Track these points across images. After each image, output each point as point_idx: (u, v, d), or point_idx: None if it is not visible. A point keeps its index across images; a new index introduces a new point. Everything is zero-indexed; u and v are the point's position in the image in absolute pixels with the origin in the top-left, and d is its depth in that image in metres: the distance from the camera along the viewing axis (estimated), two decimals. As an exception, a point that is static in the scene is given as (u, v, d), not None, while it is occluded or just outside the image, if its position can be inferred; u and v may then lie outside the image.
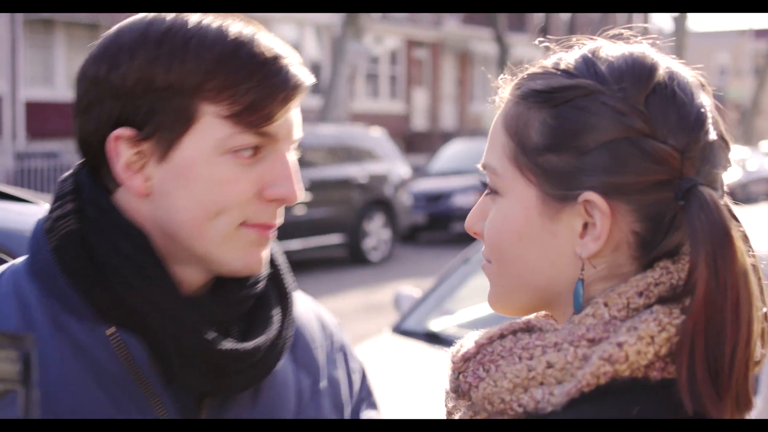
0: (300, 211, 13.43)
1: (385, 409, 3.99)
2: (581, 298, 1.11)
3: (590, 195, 1.08)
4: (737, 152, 29.58)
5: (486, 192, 1.18)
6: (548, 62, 1.17)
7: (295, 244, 13.53)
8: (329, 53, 28.74)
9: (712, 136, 1.11)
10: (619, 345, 1.03)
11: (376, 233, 14.85)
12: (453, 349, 1.17)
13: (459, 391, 1.13)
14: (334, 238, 14.22)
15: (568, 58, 1.16)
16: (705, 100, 1.13)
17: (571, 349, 1.06)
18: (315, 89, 29.49)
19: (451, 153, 19.48)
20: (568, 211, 1.11)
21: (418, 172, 18.41)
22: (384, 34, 30.30)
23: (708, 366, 1.02)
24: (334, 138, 14.77)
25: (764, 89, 38.38)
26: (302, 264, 14.25)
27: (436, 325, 4.81)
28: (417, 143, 30.14)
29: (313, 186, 13.75)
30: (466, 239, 16.79)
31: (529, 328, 1.12)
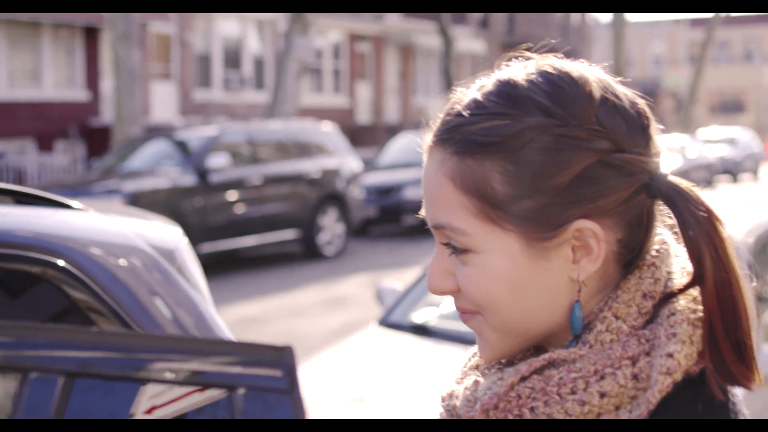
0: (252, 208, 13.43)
1: (378, 401, 4.08)
2: (580, 320, 1.11)
3: (581, 223, 1.08)
4: (677, 140, 29.84)
5: (452, 252, 1.13)
6: (464, 103, 1.13)
7: (250, 240, 13.51)
8: (272, 49, 28.66)
9: (654, 127, 1.13)
10: (670, 355, 1.05)
11: (330, 228, 14.85)
12: (452, 401, 1.16)
13: None
14: (288, 234, 14.21)
15: (487, 95, 1.12)
16: (630, 94, 1.14)
17: (619, 373, 1.06)
18: (260, 85, 29.25)
19: (399, 146, 19.52)
20: (556, 244, 1.09)
21: (367, 165, 18.43)
22: (327, 29, 30.27)
23: (731, 346, 1.06)
24: (285, 133, 14.74)
25: (701, 78, 38.85)
26: (257, 260, 14.25)
27: (421, 317, 4.86)
28: (361, 137, 30.15)
29: (266, 182, 13.75)
30: (418, 231, 16.91)
31: (552, 364, 1.09)
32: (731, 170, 34.31)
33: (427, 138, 1.16)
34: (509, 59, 1.18)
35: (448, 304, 5.04)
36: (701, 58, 38.68)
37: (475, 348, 1.23)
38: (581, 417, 1.05)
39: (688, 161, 28.94)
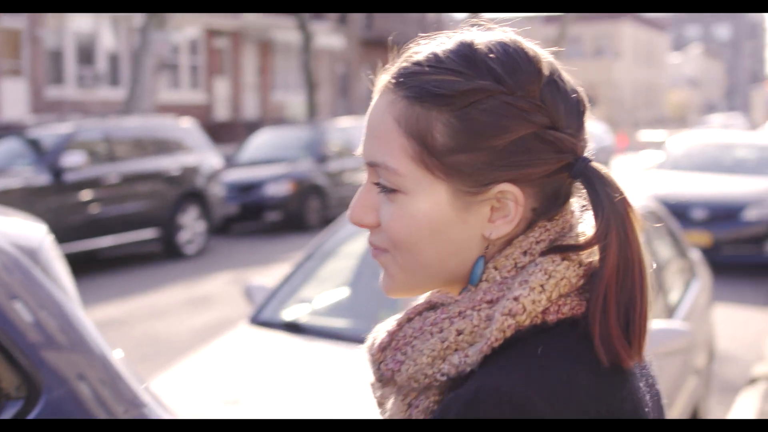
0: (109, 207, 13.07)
1: (253, 401, 3.97)
2: (480, 273, 1.20)
3: (506, 186, 1.17)
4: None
5: (381, 190, 1.21)
6: (424, 55, 1.21)
7: (107, 241, 13.12)
8: (127, 44, 28.04)
9: (588, 116, 1.22)
10: (516, 299, 1.13)
11: (191, 226, 14.56)
12: (367, 343, 1.24)
13: (383, 379, 1.20)
14: (147, 233, 13.86)
15: (447, 52, 1.19)
16: (572, 82, 1.23)
17: (475, 313, 1.15)
18: (115, 81, 28.60)
19: (259, 142, 19.34)
20: (479, 200, 1.18)
21: (227, 162, 18.18)
22: (183, 24, 29.76)
23: (620, 322, 1.13)
24: (142, 130, 14.36)
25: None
26: (117, 261, 13.87)
27: (292, 313, 4.75)
28: (220, 133, 29.80)
29: (124, 180, 13.39)
30: (280, 228, 16.80)
31: (432, 306, 1.20)
32: (585, 162, 35.04)
33: (382, 78, 1.24)
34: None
35: (319, 299, 4.96)
36: (555, 53, 39.48)
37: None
38: (442, 351, 1.14)
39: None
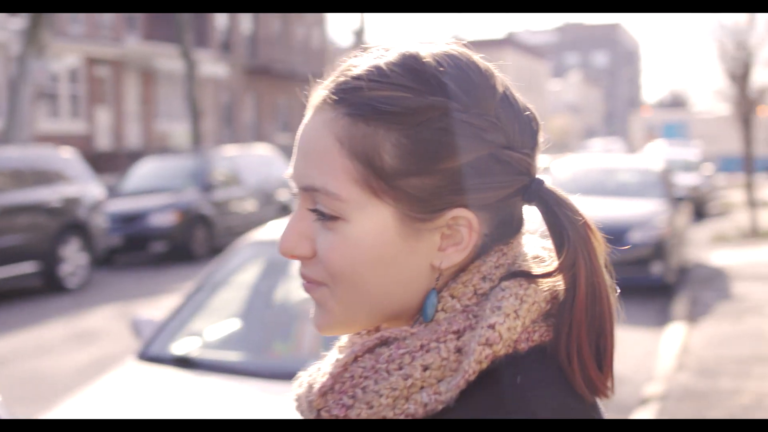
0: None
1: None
2: (434, 308, 1.10)
3: (460, 212, 1.08)
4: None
5: (317, 217, 1.11)
6: (365, 68, 1.10)
7: (-15, 276, 12.64)
8: (4, 73, 27.28)
9: (540, 135, 1.15)
10: (491, 327, 1.05)
11: (73, 258, 14.12)
12: (298, 389, 1.15)
13: None
14: (26, 266, 13.38)
15: (391, 65, 1.09)
16: (522, 99, 1.15)
17: (442, 346, 1.06)
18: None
19: (143, 172, 18.96)
20: (430, 228, 1.09)
21: (110, 192, 17.75)
22: (63, 52, 29.11)
23: (592, 350, 1.07)
24: (21, 161, 13.89)
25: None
26: (-6, 296, 13.37)
27: (182, 347, 4.57)
28: (102, 163, 29.17)
29: (2, 212, 12.92)
30: (166, 259, 16.46)
31: (384, 342, 1.09)
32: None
33: (317, 93, 1.13)
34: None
35: (211, 332, 4.79)
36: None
37: (340, 342, 1.22)
38: (405, 390, 1.05)
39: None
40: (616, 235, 6.58)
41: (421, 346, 1.06)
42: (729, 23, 22.85)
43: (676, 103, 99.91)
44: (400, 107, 1.06)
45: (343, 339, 1.22)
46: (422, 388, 1.05)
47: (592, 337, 1.08)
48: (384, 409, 1.05)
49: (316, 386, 1.10)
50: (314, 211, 1.11)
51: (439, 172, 1.06)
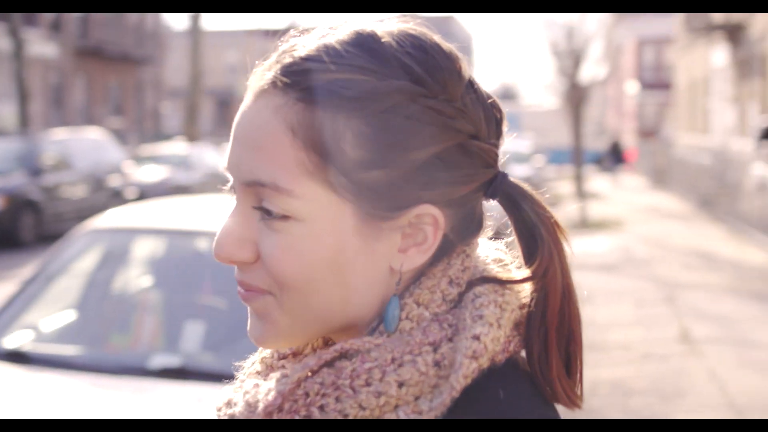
0: None
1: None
2: (396, 318, 0.99)
3: (426, 208, 0.98)
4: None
5: (262, 217, 0.98)
6: (315, 48, 0.98)
7: None
8: None
9: (504, 124, 1.06)
10: (476, 338, 0.95)
11: None
12: (231, 410, 1.00)
13: None
14: None
15: (345, 45, 0.97)
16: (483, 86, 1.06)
17: (419, 359, 0.94)
18: None
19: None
20: (392, 226, 0.98)
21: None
22: None
23: (562, 360, 1.02)
24: None
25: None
26: None
27: (14, 341, 4.32)
28: None
29: None
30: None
31: (344, 355, 0.97)
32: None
33: (260, 76, 0.99)
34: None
35: (46, 324, 4.56)
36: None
37: (254, 356, 1.10)
38: (377, 410, 0.93)
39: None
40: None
41: (393, 360, 0.94)
42: (561, 21, 23.54)
43: (507, 95, 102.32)
44: (362, 91, 0.94)
45: (266, 351, 1.10)
46: (397, 406, 0.94)
47: (562, 344, 1.01)
48: None
49: (260, 406, 0.96)
50: (259, 209, 0.98)
51: (404, 164, 0.95)
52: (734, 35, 26.66)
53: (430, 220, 0.98)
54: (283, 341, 1.03)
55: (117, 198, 18.82)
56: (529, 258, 1.03)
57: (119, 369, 3.94)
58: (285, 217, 0.96)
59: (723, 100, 28.98)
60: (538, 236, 1.01)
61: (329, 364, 0.96)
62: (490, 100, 1.02)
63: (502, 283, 1.00)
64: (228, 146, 1.02)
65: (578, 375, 1.03)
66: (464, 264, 1.01)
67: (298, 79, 0.96)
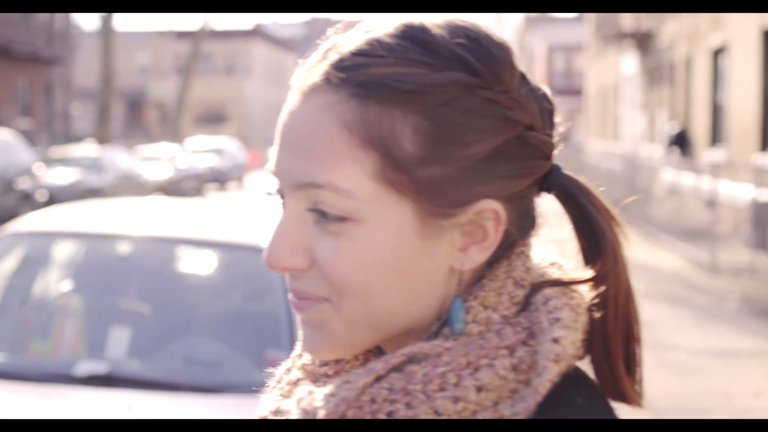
0: None
1: None
2: (463, 319, 0.94)
3: (487, 204, 0.93)
4: (166, 150, 30.34)
5: (317, 220, 0.94)
6: (364, 42, 0.94)
7: None
8: None
9: (556, 115, 1.01)
10: (556, 341, 0.91)
11: None
12: (283, 416, 0.96)
13: None
14: None
15: (394, 38, 0.93)
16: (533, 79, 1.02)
17: (497, 363, 0.90)
18: None
19: None
20: (452, 224, 0.94)
21: None
22: None
23: (623, 357, 0.99)
24: None
25: (188, 88, 39.62)
26: None
27: None
28: None
29: None
30: None
31: (412, 359, 0.92)
32: (219, 179, 35.21)
33: (307, 75, 0.95)
34: None
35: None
36: (188, 69, 39.40)
37: (286, 363, 1.06)
38: (454, 415, 0.88)
39: (179, 171, 29.32)
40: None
41: (468, 363, 0.90)
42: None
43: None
44: (418, 84, 0.90)
45: (305, 358, 1.05)
46: (475, 412, 0.89)
47: (623, 343, 0.98)
48: None
49: (321, 413, 0.91)
50: (313, 212, 0.93)
51: (465, 158, 0.91)
52: (644, 43, 27.24)
53: (491, 215, 0.94)
54: (341, 350, 0.98)
55: (27, 201, 18.45)
56: (590, 256, 1.00)
57: (43, 376, 3.83)
58: (342, 219, 0.92)
59: (633, 106, 29.59)
60: (599, 233, 0.98)
61: (397, 368, 0.92)
62: (540, 91, 0.99)
63: (566, 284, 0.97)
64: (274, 149, 0.98)
65: (638, 373, 1.00)
66: (526, 265, 0.98)
67: (351, 75, 0.92)
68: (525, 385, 0.91)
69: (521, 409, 0.89)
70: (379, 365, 0.91)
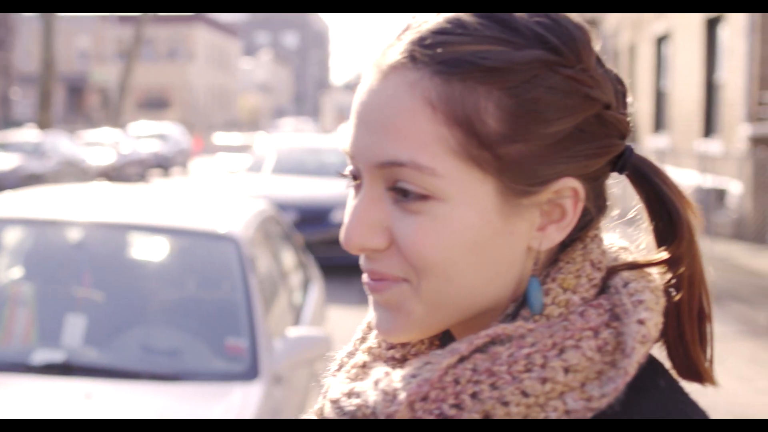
0: None
1: None
2: (541, 299, 0.94)
3: (567, 182, 0.93)
4: (108, 135, 29.92)
5: (398, 199, 0.93)
6: (446, 21, 0.93)
7: None
8: None
9: (628, 96, 1.02)
10: (642, 322, 0.91)
11: None
12: (355, 400, 0.94)
13: None
14: None
15: (474, 16, 0.93)
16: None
17: (584, 344, 0.90)
18: None
19: None
20: (532, 203, 0.94)
21: None
22: None
23: (697, 337, 0.99)
24: None
25: (131, 73, 39.14)
26: None
27: None
28: None
29: None
30: None
31: (496, 340, 0.91)
32: (163, 164, 34.83)
33: (387, 53, 0.94)
34: None
35: None
36: (130, 54, 38.93)
37: (349, 346, 1.06)
38: (542, 396, 0.88)
39: (122, 156, 29.04)
40: (319, 215, 6.80)
41: (554, 345, 0.90)
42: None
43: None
44: (501, 61, 0.90)
45: (371, 341, 1.04)
46: (563, 393, 0.89)
47: (695, 321, 0.99)
48: (512, 416, 0.89)
49: (401, 395, 0.90)
50: (393, 190, 0.92)
51: (547, 136, 0.91)
52: (588, 30, 27.39)
53: (570, 193, 0.94)
54: (417, 332, 0.97)
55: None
56: (664, 237, 1.00)
57: (-1, 365, 3.76)
58: (424, 198, 0.91)
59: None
60: (674, 214, 0.98)
61: (480, 349, 0.91)
62: (613, 73, 0.99)
63: (642, 266, 0.97)
64: (351, 129, 0.96)
65: (709, 353, 1.01)
66: (600, 248, 0.98)
67: (433, 52, 0.91)
68: (611, 367, 0.90)
69: (611, 389, 0.88)
70: (462, 346, 0.91)
